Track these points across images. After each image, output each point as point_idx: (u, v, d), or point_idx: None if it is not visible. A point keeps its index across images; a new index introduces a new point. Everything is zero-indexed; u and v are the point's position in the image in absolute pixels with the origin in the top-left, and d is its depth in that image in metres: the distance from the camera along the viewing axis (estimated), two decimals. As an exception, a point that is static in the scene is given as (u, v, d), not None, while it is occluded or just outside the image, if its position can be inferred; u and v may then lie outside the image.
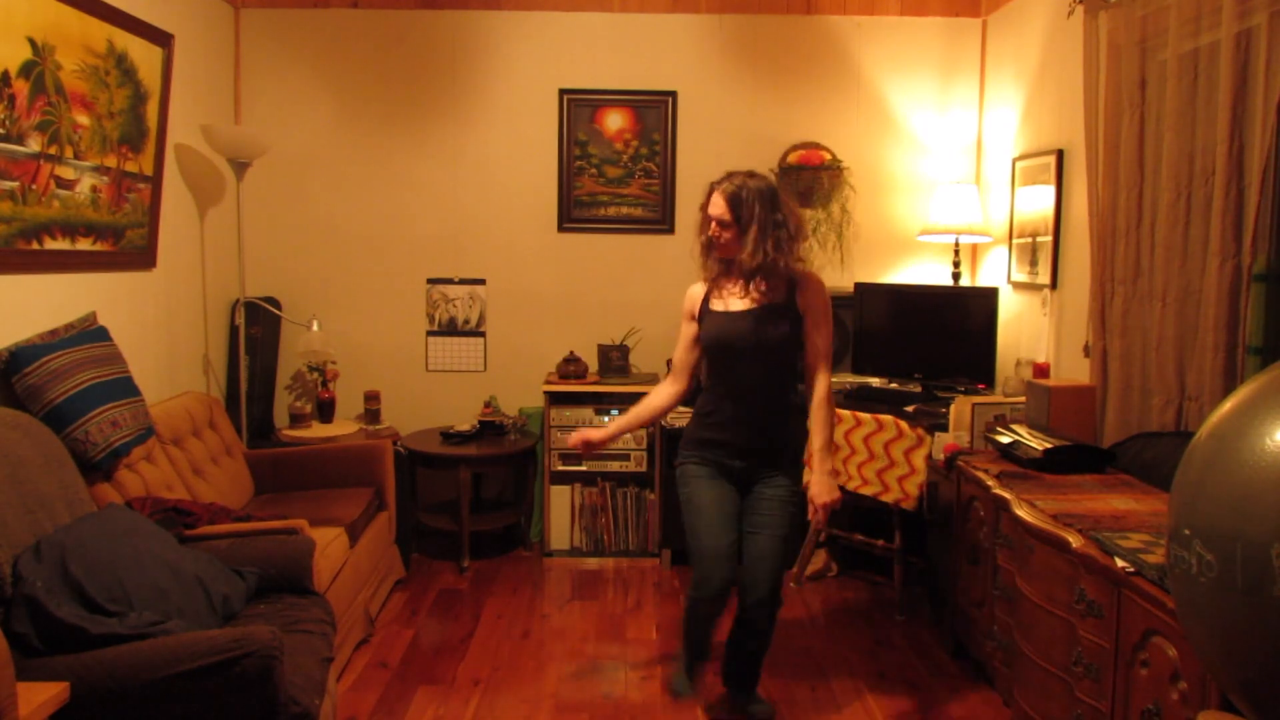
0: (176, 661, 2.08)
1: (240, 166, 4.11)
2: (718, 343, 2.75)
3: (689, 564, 2.87)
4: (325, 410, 4.54)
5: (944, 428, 3.66)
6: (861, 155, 4.72)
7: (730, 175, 2.73)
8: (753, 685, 2.99)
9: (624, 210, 4.75)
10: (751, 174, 2.74)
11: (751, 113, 4.70)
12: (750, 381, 2.75)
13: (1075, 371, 3.62)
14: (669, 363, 3.05)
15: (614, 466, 4.46)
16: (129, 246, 3.55)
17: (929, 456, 3.65)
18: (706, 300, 2.81)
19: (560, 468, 4.46)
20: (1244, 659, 1.48)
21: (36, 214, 2.97)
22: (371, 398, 4.60)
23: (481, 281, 4.79)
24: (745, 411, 2.76)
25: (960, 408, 3.61)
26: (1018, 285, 4.23)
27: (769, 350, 2.72)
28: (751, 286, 2.72)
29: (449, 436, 4.50)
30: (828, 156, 4.68)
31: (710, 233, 2.74)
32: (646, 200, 4.73)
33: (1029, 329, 4.11)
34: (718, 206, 2.70)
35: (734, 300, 2.75)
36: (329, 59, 4.65)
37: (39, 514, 2.42)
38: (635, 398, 4.26)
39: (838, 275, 4.75)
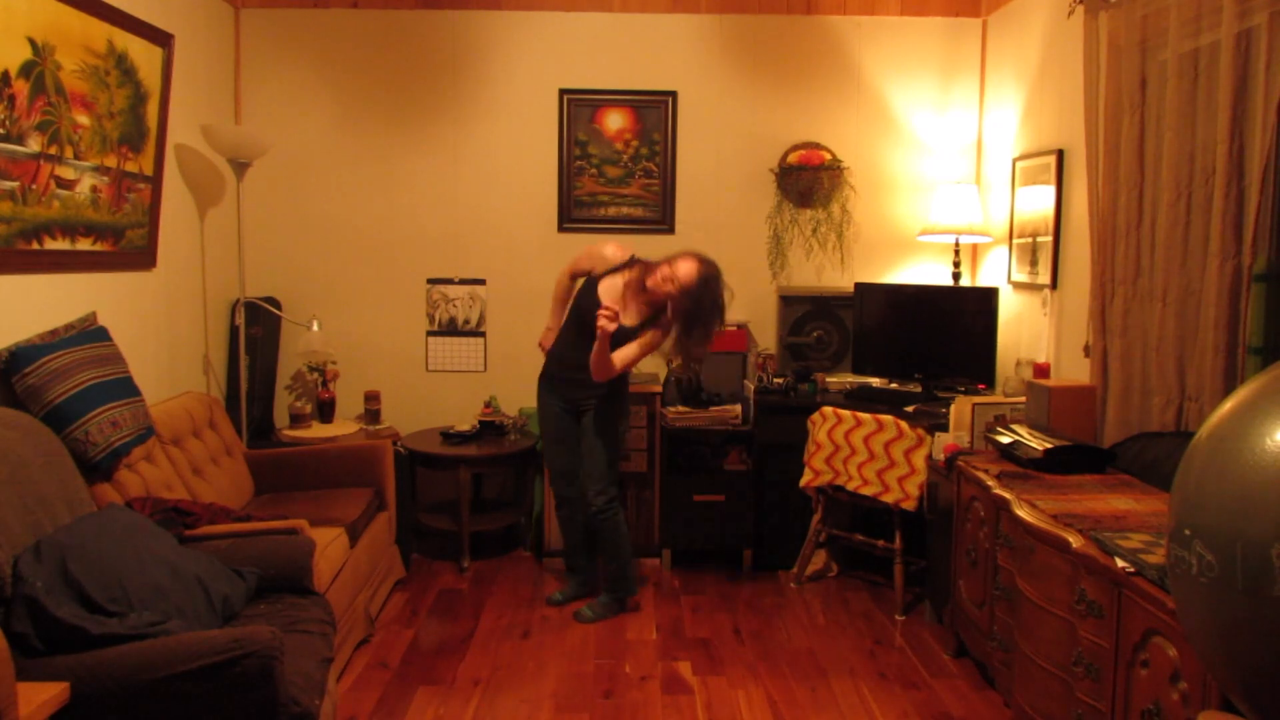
0: (176, 662, 2.08)
1: (240, 166, 4.11)
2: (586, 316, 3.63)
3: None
4: (325, 410, 4.54)
5: (944, 428, 3.66)
6: (861, 155, 4.72)
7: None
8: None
9: (624, 210, 4.75)
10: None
11: (751, 113, 4.71)
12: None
13: (1075, 371, 3.62)
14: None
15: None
16: (129, 246, 3.55)
17: (929, 456, 3.65)
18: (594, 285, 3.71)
19: (560, 468, 4.46)
20: (1244, 659, 1.48)
21: (36, 214, 2.97)
22: (371, 398, 4.60)
23: (481, 281, 4.79)
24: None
25: (960, 408, 3.61)
26: (1018, 285, 4.23)
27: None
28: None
29: (449, 436, 4.50)
30: (828, 156, 4.68)
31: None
32: (646, 200, 4.73)
33: (1029, 329, 4.11)
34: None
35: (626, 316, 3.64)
36: (329, 59, 4.65)
37: (39, 514, 2.42)
38: (635, 397, 4.28)
39: (838, 275, 4.76)
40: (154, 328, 3.81)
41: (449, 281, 4.79)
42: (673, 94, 4.68)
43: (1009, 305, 4.28)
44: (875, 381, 4.49)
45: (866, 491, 3.84)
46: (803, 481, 4.08)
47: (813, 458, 4.03)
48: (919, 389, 4.30)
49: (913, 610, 3.90)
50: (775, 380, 4.44)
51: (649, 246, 4.68)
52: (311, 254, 4.73)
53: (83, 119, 3.18)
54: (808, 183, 4.68)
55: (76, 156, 3.16)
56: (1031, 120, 4.13)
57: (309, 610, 2.68)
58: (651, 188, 4.73)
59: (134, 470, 3.11)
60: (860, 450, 3.85)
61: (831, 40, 4.67)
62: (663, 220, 4.73)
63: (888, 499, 3.77)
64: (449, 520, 4.42)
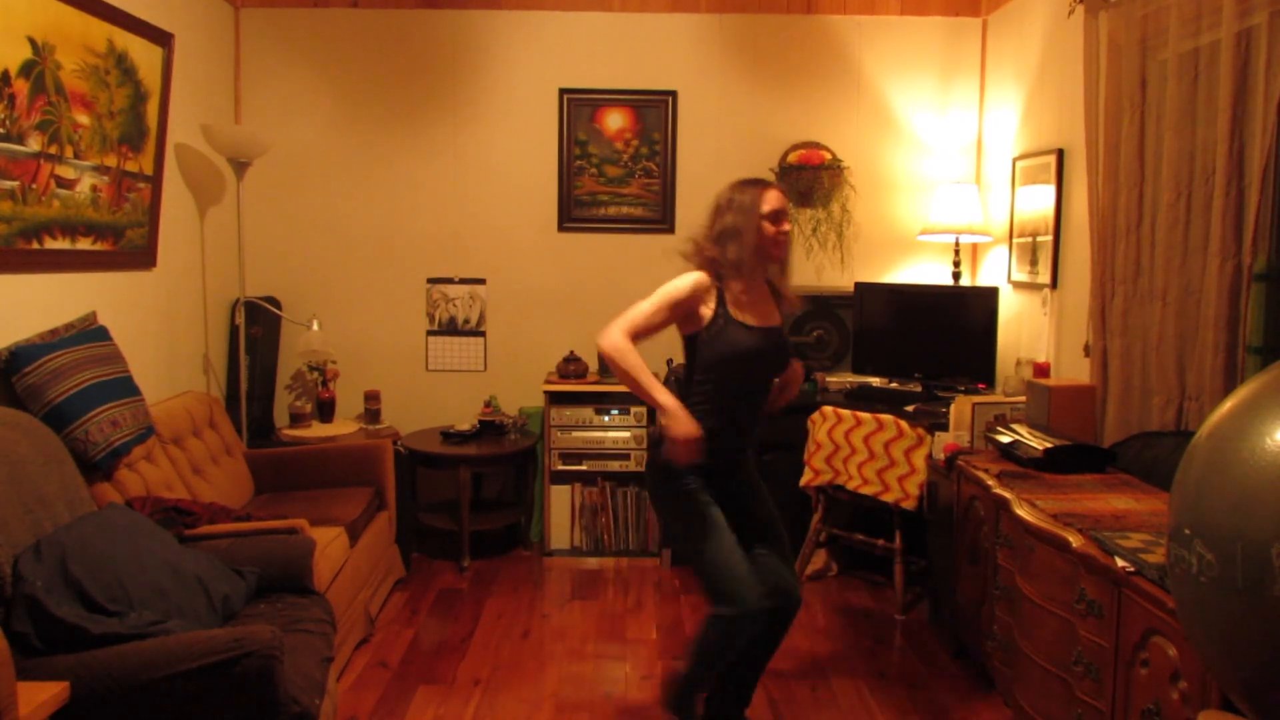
0: (176, 661, 2.08)
1: (240, 166, 4.11)
2: (744, 357, 2.54)
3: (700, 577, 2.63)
4: (325, 410, 4.54)
5: (944, 427, 3.66)
6: (861, 155, 4.72)
7: (759, 180, 2.62)
8: (749, 700, 2.80)
9: (624, 210, 4.75)
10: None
11: (751, 113, 4.70)
12: (753, 398, 2.64)
13: (1075, 371, 3.62)
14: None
15: (614, 466, 4.46)
16: (129, 246, 3.55)
17: (929, 456, 3.65)
18: (723, 304, 2.54)
19: (560, 467, 4.46)
20: (1244, 659, 1.48)
21: (36, 214, 2.97)
22: (371, 397, 4.60)
23: (481, 281, 4.79)
24: (742, 426, 2.65)
25: (960, 407, 3.61)
26: (1018, 285, 4.23)
27: (781, 368, 2.67)
28: (763, 297, 2.62)
29: (449, 436, 4.50)
30: (828, 156, 4.68)
31: (781, 228, 2.53)
32: (646, 200, 4.73)
33: (1029, 329, 4.11)
34: (781, 201, 2.54)
35: (752, 315, 2.57)
36: (329, 59, 4.65)
37: (39, 514, 2.42)
38: (635, 397, 4.27)
39: (838, 275, 4.76)
40: (154, 327, 3.81)
41: (449, 281, 4.79)
42: (673, 94, 4.68)
43: (1009, 305, 4.28)
44: (875, 381, 4.49)
45: (866, 491, 3.84)
46: (803, 481, 4.08)
47: (813, 457, 4.03)
48: (919, 388, 4.30)
49: (913, 610, 3.90)
50: (775, 380, 4.43)
51: (649, 246, 4.72)
52: (311, 254, 4.73)
53: (83, 118, 3.18)
54: (808, 182, 4.67)
55: (76, 156, 3.16)
56: (1031, 120, 4.13)
57: (309, 610, 2.68)
58: (651, 187, 4.73)
59: (134, 470, 3.11)
60: (860, 450, 3.84)
61: (831, 40, 4.67)
62: (663, 220, 4.73)
63: (888, 498, 3.77)
64: (449, 520, 4.42)
